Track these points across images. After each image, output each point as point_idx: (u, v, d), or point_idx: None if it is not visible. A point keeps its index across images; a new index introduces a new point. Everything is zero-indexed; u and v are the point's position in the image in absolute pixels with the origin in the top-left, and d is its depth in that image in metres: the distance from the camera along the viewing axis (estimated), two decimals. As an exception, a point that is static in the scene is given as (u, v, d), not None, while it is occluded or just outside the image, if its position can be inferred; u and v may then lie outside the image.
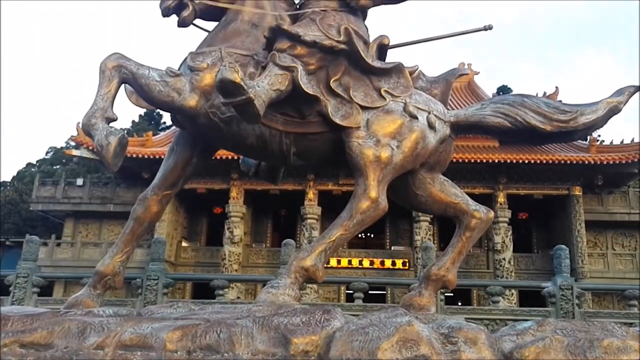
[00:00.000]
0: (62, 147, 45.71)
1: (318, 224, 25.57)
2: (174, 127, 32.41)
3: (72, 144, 29.31)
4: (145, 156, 24.01)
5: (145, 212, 4.17)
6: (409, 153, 3.96)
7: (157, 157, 23.51)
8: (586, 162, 24.40)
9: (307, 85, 3.82)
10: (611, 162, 24.46)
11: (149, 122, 44.25)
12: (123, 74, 3.79)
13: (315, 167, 20.08)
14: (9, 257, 31.22)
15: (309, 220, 25.48)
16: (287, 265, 3.87)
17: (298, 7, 4.49)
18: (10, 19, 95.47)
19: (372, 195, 3.79)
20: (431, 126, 4.06)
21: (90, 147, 24.22)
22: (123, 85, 3.94)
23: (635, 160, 24.41)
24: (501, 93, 43.41)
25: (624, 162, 24.47)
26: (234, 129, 3.92)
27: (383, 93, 4.02)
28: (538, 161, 24.28)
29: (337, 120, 3.90)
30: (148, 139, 26.95)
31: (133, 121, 45.70)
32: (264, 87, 3.59)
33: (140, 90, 3.86)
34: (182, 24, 4.23)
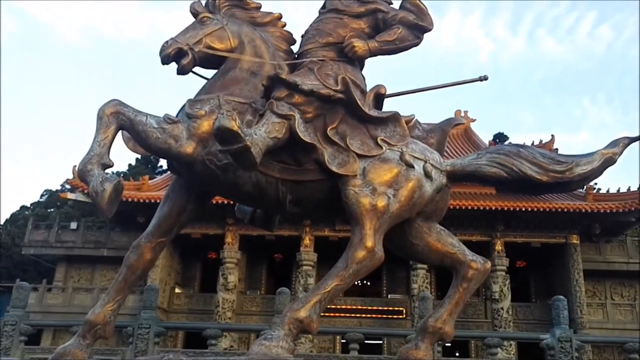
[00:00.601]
0: (57, 190, 45.59)
1: (314, 271, 25.25)
2: (170, 171, 32.31)
3: (68, 187, 29.22)
4: (141, 200, 23.90)
5: (139, 259, 4.13)
6: (406, 202, 3.94)
7: (152, 201, 23.41)
8: (583, 210, 24.35)
9: (304, 133, 3.84)
10: (608, 211, 24.40)
11: (145, 166, 44.36)
12: (121, 121, 3.81)
13: (311, 215, 20.05)
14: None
15: (304, 267, 25.18)
16: (281, 315, 3.79)
17: (296, 56, 4.57)
18: (10, 62, 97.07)
19: (368, 245, 3.75)
20: (428, 175, 4.06)
21: (86, 191, 24.15)
22: (120, 131, 3.94)
23: (632, 209, 24.37)
24: (497, 140, 43.89)
25: (621, 210, 24.41)
26: (230, 176, 3.90)
27: (380, 142, 4.04)
28: (535, 209, 24.22)
29: (334, 168, 3.90)
30: (144, 182, 26.90)
31: (130, 164, 45.87)
32: (261, 134, 3.60)
33: (138, 137, 3.87)
34: (182, 71, 4.27)
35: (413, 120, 4.43)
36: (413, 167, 4.01)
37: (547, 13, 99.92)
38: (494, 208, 24.22)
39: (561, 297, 12.83)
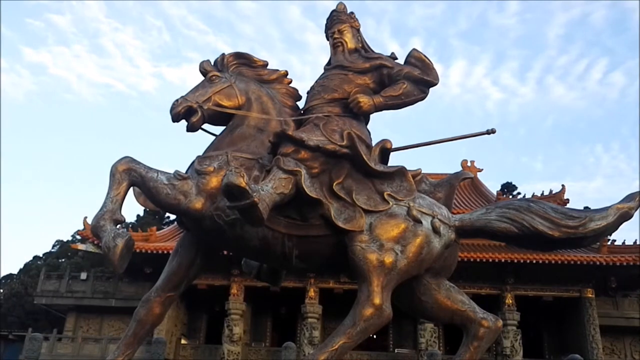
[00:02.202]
0: (68, 241, 46.06)
1: (319, 323, 24.84)
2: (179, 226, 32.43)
3: (78, 237, 29.37)
4: (149, 251, 23.86)
5: (148, 314, 4.14)
6: (414, 258, 3.90)
7: (160, 252, 23.40)
8: (597, 263, 23.53)
9: (310, 189, 3.85)
10: (624, 264, 23.49)
11: (153, 217, 44.50)
12: (132, 177, 3.89)
13: (317, 271, 19.84)
14: (11, 351, 30.65)
15: (309, 320, 24.75)
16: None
17: (302, 112, 4.65)
18: (29, 118, 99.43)
19: (376, 302, 3.70)
20: (436, 231, 4.02)
21: (96, 242, 24.25)
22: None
23: (650, 261, 23.59)
24: (505, 190, 43.70)
25: (638, 263, 23.47)
26: (237, 232, 3.91)
27: (386, 197, 4.03)
28: (547, 261, 23.65)
29: (340, 224, 3.88)
30: (152, 233, 26.95)
31: (138, 215, 46.08)
32: (268, 190, 3.63)
33: (149, 192, 3.93)
34: (191, 128, 4.36)
35: (420, 175, 4.42)
36: (421, 222, 3.98)
37: (556, 60, 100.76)
38: (503, 260, 23.79)
39: (577, 356, 12.42)
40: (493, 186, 39.18)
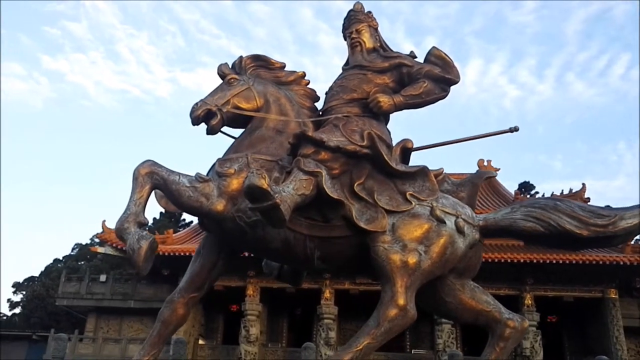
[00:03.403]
0: (86, 244, 46.77)
1: (335, 324, 24.74)
2: (193, 224, 32.84)
3: (97, 240, 29.71)
4: (166, 253, 24.01)
5: (172, 314, 4.17)
6: (438, 259, 3.85)
7: (177, 254, 23.55)
8: (621, 262, 22.98)
9: (331, 190, 3.83)
10: (650, 264, 22.88)
11: (169, 220, 44.92)
12: (155, 180, 3.90)
13: (339, 272, 19.74)
14: (34, 351, 31.20)
15: (325, 320, 24.67)
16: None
17: (321, 113, 4.63)
18: (49, 124, 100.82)
19: (400, 303, 3.66)
20: (460, 231, 3.97)
21: (115, 245, 24.54)
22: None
23: (676, 261, 22.92)
24: (523, 189, 43.22)
25: None
26: (259, 233, 3.91)
27: (408, 197, 3.99)
28: (567, 261, 23.21)
29: (362, 224, 3.85)
30: (168, 236, 27.17)
31: (154, 218, 46.48)
32: (289, 192, 3.62)
33: (171, 195, 3.95)
34: (211, 131, 4.37)
35: (442, 174, 4.38)
36: (444, 222, 3.93)
37: (576, 57, 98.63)
38: (522, 260, 23.49)
39: (604, 357, 12.13)
40: (510, 186, 38.79)
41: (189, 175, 3.98)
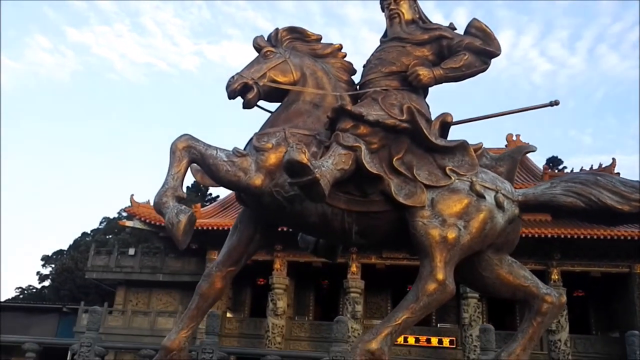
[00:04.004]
0: (114, 218, 47.63)
1: (361, 298, 24.94)
2: (220, 199, 33.22)
3: (125, 214, 30.17)
4: (194, 227, 24.29)
5: (210, 288, 4.23)
6: (477, 234, 3.84)
7: (204, 228, 23.83)
8: (649, 237, 22.84)
9: (370, 164, 3.80)
10: (677, 239, 22.71)
11: (196, 194, 45.37)
12: (192, 155, 3.92)
13: (377, 246, 19.75)
14: (65, 323, 32.00)
15: (352, 294, 24.88)
16: (352, 346, 3.75)
17: (358, 86, 4.58)
18: (77, 99, 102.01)
19: (439, 278, 3.66)
20: (499, 206, 3.94)
21: (143, 219, 24.91)
22: None
23: None
24: (551, 164, 42.57)
25: None
26: (296, 208, 3.92)
27: (448, 171, 3.96)
28: (595, 236, 22.99)
29: (401, 199, 3.84)
30: (196, 210, 27.27)
31: (181, 192, 46.90)
32: (328, 166, 3.60)
33: (208, 169, 3.96)
34: (247, 105, 4.35)
35: (481, 149, 4.32)
36: (484, 197, 3.90)
37: (609, 29, 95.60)
38: (549, 236, 23.31)
39: (636, 332, 12.00)
40: (538, 160, 38.22)
41: (227, 150, 3.99)
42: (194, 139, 4.00)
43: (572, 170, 30.30)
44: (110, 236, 46.15)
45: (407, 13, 4.67)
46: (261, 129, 4.27)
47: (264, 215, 4.22)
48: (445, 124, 4.30)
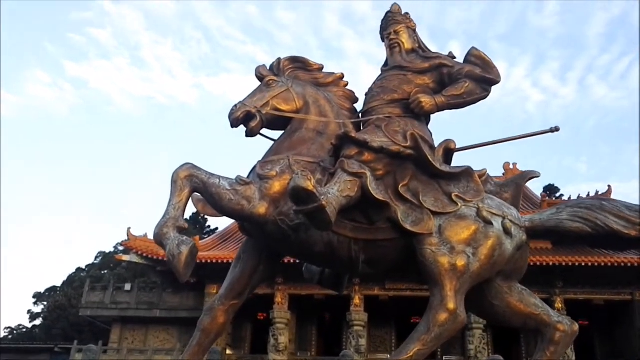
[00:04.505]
0: (110, 252, 46.99)
1: (365, 332, 24.57)
2: (219, 231, 32.97)
3: (121, 248, 29.88)
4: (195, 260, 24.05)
5: (213, 322, 4.10)
6: (486, 261, 3.77)
7: (203, 261, 23.53)
8: (649, 264, 22.77)
9: (377, 191, 3.76)
10: (677, 265, 22.73)
11: (194, 226, 45.09)
12: (194, 184, 3.86)
13: (384, 276, 19.53)
14: (57, 364, 31.13)
15: (355, 327, 24.51)
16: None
17: (361, 114, 4.58)
18: (74, 132, 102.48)
19: (450, 307, 3.59)
20: (507, 232, 3.90)
21: (140, 253, 24.68)
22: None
23: None
24: (548, 192, 42.59)
25: None
26: (302, 236, 3.86)
27: (454, 198, 3.92)
28: (596, 264, 22.93)
29: (408, 227, 3.78)
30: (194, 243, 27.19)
31: (179, 226, 46.65)
32: (334, 193, 3.56)
33: (211, 198, 3.89)
34: (250, 134, 4.33)
35: (485, 175, 4.29)
36: (491, 223, 3.85)
37: (597, 60, 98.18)
38: (551, 264, 23.16)
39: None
40: (536, 188, 38.29)
41: (229, 178, 3.93)
42: (196, 167, 3.95)
43: (569, 198, 30.35)
44: (106, 271, 45.42)
45: (407, 43, 4.72)
46: (264, 156, 4.24)
47: (268, 245, 4.15)
48: (448, 150, 4.28)
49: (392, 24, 4.80)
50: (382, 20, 4.90)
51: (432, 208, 3.86)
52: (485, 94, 4.37)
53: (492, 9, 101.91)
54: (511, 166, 32.15)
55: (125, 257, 26.80)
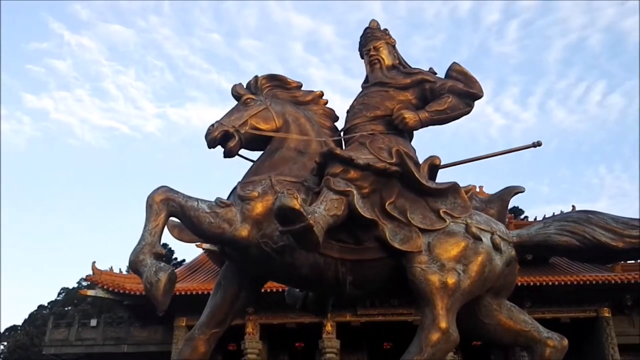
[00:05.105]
0: (74, 288, 45.48)
1: (337, 359, 24.21)
2: (186, 263, 32.25)
3: (85, 284, 28.89)
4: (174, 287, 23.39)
5: (193, 353, 3.92)
6: (477, 277, 3.70)
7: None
8: (612, 281, 23.38)
9: (364, 209, 3.66)
10: (639, 281, 23.28)
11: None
12: (171, 207, 3.68)
13: (372, 297, 19.25)
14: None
15: (328, 355, 24.15)
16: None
17: (343, 132, 4.50)
18: (32, 165, 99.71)
19: (442, 326, 3.48)
20: (496, 248, 3.84)
21: (106, 287, 23.88)
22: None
23: (665, 278, 23.40)
24: (513, 214, 43.35)
25: None
26: (286, 259, 3.71)
27: (442, 214, 3.85)
28: (562, 282, 23.39)
29: (396, 245, 3.68)
30: (161, 275, 26.52)
31: (145, 257, 45.60)
32: (321, 212, 3.44)
33: (189, 223, 3.72)
34: (228, 154, 4.20)
35: (470, 191, 4.26)
36: (481, 239, 3.79)
37: (556, 85, 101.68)
38: (519, 284, 23.35)
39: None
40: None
41: (208, 201, 3.77)
42: (172, 190, 3.77)
43: (535, 219, 30.93)
44: (70, 308, 43.96)
45: (387, 59, 4.70)
46: (244, 177, 4.10)
47: (250, 269, 3.98)
48: (433, 166, 4.22)
49: (371, 40, 4.76)
50: (361, 37, 4.86)
51: (420, 225, 3.77)
52: (468, 108, 4.35)
53: (455, 37, 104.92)
54: (477, 189, 32.65)
55: (91, 292, 25.82)
